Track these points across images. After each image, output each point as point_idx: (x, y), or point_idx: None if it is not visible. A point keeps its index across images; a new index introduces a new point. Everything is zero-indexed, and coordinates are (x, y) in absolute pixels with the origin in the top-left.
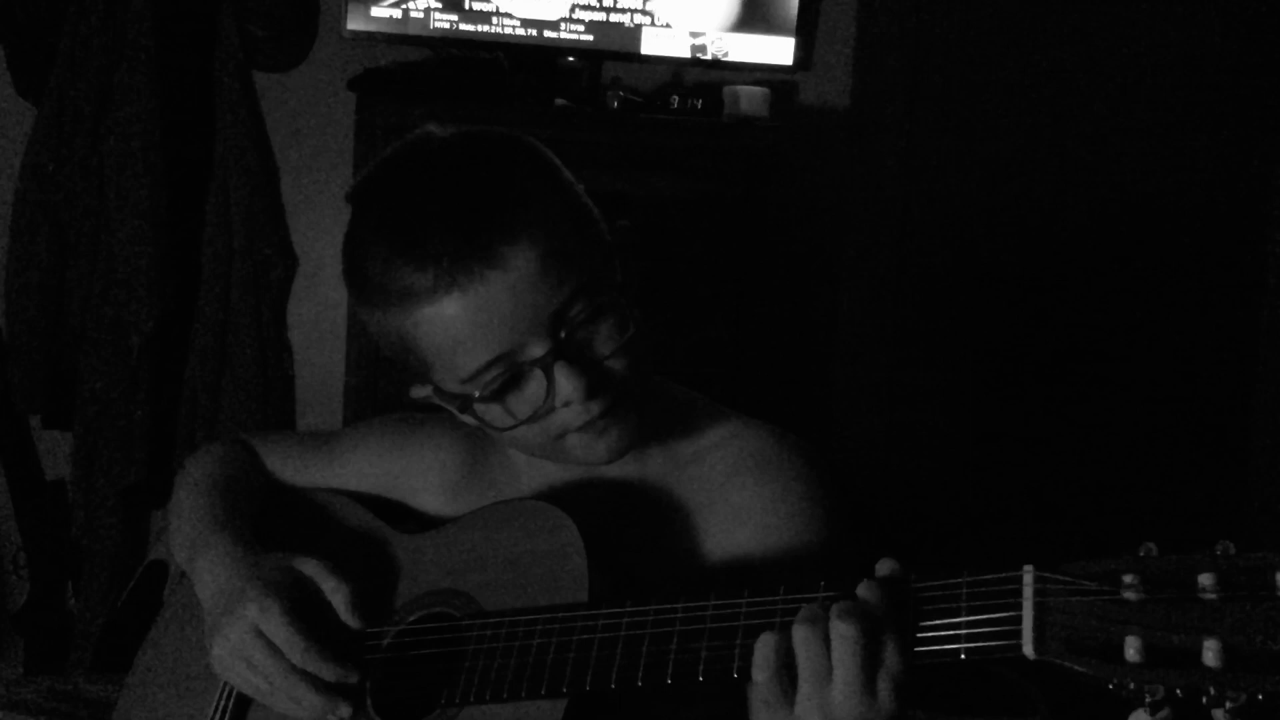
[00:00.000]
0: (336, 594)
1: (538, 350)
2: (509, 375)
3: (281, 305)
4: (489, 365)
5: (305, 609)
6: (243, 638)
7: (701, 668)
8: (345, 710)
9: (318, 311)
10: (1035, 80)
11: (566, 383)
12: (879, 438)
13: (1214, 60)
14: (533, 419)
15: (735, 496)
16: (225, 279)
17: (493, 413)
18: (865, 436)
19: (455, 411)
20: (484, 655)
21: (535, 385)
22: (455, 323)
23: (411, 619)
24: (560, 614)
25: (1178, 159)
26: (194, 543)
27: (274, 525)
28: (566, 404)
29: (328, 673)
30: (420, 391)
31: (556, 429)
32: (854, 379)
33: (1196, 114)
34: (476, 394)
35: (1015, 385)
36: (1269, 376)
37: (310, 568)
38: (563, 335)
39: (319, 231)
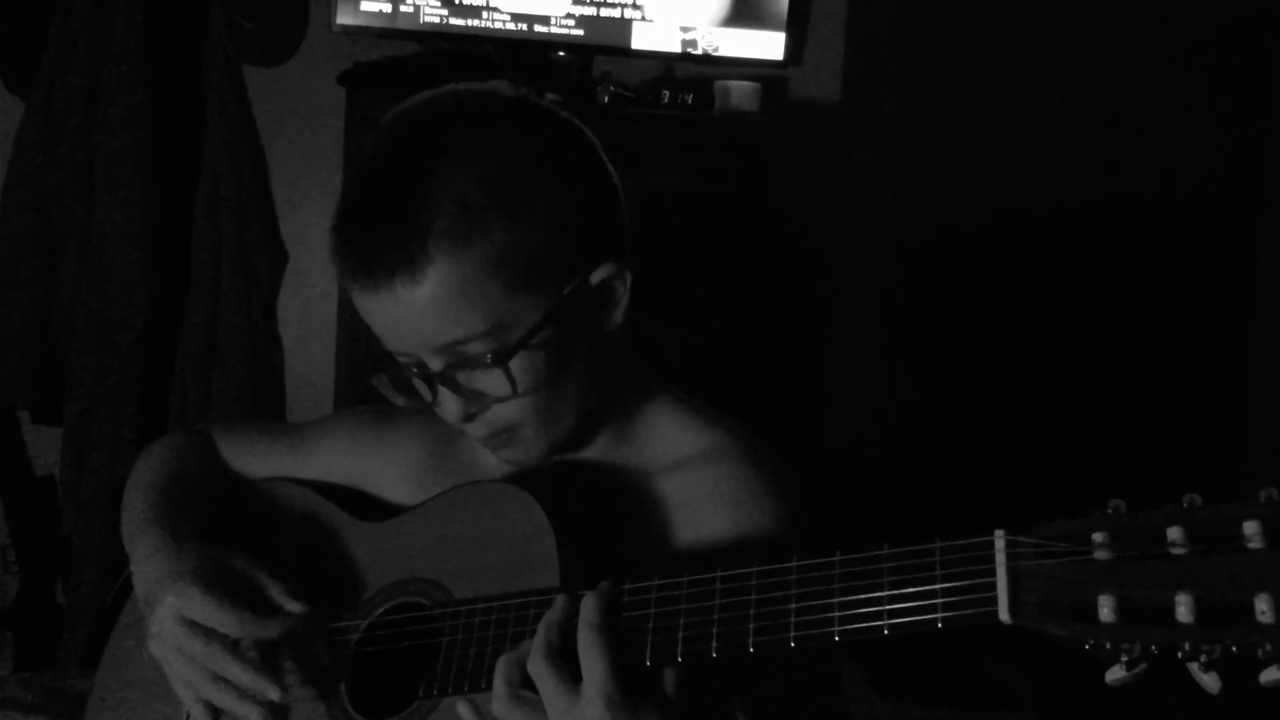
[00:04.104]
0: (273, 585)
1: (432, 364)
2: (411, 368)
3: (271, 300)
4: (397, 354)
5: (237, 596)
6: (169, 627)
7: (680, 648)
8: (274, 694)
9: (307, 306)
10: (1027, 76)
11: (444, 403)
12: (872, 431)
13: (1209, 58)
14: (430, 410)
15: (703, 523)
16: (215, 274)
17: (403, 386)
18: (858, 430)
19: None
20: (459, 645)
21: (426, 387)
22: (362, 311)
23: (381, 610)
24: (533, 598)
25: (1174, 153)
26: (131, 537)
27: (232, 518)
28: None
29: (273, 630)
30: None
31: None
32: (847, 373)
33: (1194, 110)
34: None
35: (1010, 380)
36: (1262, 367)
37: (241, 562)
38: (453, 363)
39: (309, 226)
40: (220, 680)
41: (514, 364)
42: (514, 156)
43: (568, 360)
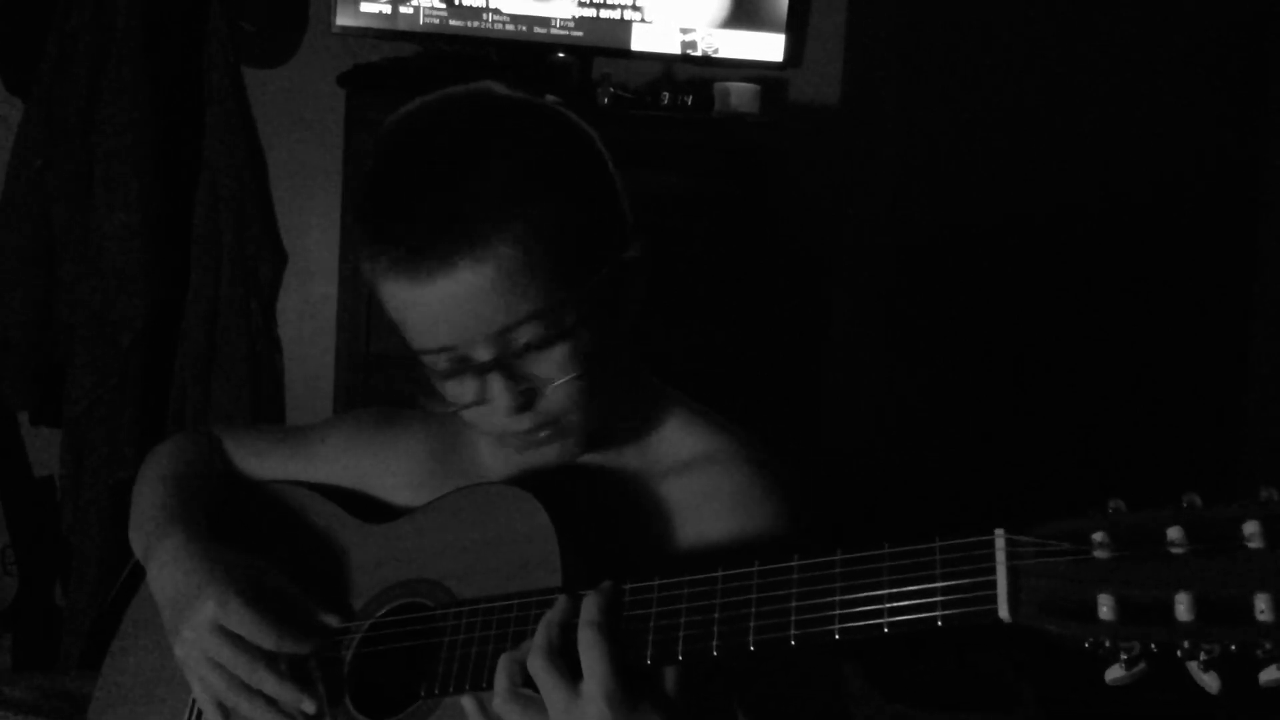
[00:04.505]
0: (306, 601)
1: (481, 355)
2: (453, 366)
3: (271, 301)
4: (437, 350)
5: (269, 606)
6: (204, 636)
7: (681, 647)
8: (310, 706)
9: (307, 307)
10: (1027, 76)
11: (498, 395)
12: (872, 432)
13: (1209, 58)
14: (470, 408)
15: (704, 525)
16: (214, 275)
17: (441, 389)
18: (858, 430)
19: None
20: (460, 645)
21: (473, 383)
22: (406, 307)
23: (384, 611)
24: (534, 599)
25: (1174, 153)
26: (148, 536)
27: (235, 519)
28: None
29: (307, 649)
30: None
31: (495, 429)
32: (847, 373)
33: (1194, 110)
34: (427, 367)
35: (1010, 379)
36: (1262, 367)
37: (272, 574)
38: (505, 351)
39: (309, 228)
40: (252, 691)
41: (571, 342)
42: (554, 141)
43: (611, 337)
